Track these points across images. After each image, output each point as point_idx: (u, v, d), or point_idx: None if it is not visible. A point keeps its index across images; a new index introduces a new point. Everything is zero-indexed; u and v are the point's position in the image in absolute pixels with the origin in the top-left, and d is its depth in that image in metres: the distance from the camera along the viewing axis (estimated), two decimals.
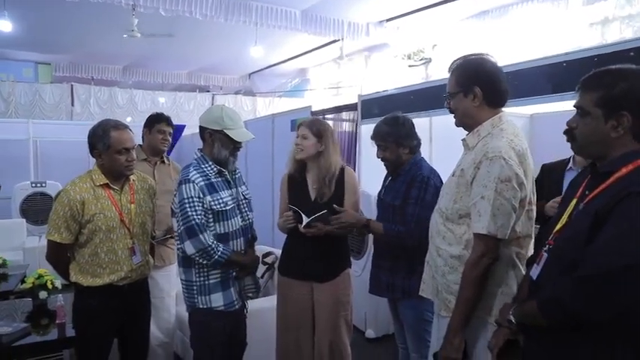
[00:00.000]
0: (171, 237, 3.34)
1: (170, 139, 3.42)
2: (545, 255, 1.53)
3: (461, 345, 1.78)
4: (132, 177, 2.60)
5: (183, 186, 2.31)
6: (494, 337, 1.68)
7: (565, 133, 1.53)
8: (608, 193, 1.36)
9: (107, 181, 2.48)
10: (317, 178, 2.69)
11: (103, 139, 2.43)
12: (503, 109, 1.94)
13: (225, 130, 2.37)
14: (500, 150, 1.74)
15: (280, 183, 2.86)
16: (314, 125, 2.69)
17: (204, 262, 2.32)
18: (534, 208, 1.89)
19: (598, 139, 1.42)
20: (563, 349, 1.41)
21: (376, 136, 2.71)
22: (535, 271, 1.57)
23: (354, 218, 2.60)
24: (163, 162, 3.44)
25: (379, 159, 2.74)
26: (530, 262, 1.66)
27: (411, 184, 2.56)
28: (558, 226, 1.51)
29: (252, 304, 2.69)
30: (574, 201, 1.50)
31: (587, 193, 1.45)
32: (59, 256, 2.50)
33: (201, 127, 2.44)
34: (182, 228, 2.29)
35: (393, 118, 2.70)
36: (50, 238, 2.41)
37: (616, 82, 1.38)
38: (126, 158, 2.47)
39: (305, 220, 2.53)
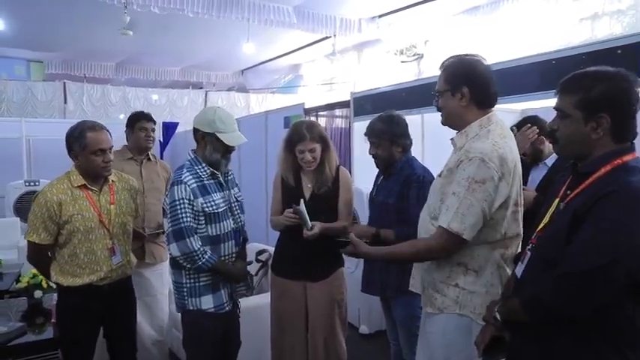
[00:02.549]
0: (163, 232, 3.36)
1: (153, 135, 3.43)
2: (528, 253, 1.58)
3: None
4: (112, 177, 2.60)
5: (176, 187, 2.32)
6: (480, 333, 1.71)
7: (547, 134, 1.56)
8: (587, 193, 1.40)
9: (85, 182, 2.48)
10: (318, 179, 2.69)
11: (79, 140, 2.42)
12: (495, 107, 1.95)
13: (217, 134, 2.36)
14: (482, 152, 1.74)
15: (273, 182, 2.87)
16: (314, 132, 2.64)
17: (188, 265, 2.33)
18: (521, 209, 1.90)
19: (579, 141, 1.46)
20: (545, 343, 1.46)
21: (371, 133, 2.71)
22: (519, 269, 1.61)
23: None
24: (150, 160, 3.46)
25: (371, 155, 2.76)
26: (517, 260, 1.70)
27: (408, 185, 2.58)
28: (541, 225, 1.55)
29: (246, 302, 2.72)
30: (556, 200, 1.53)
31: (568, 192, 1.49)
32: (39, 256, 2.52)
33: (194, 129, 2.44)
34: (170, 229, 2.31)
35: (388, 116, 2.71)
36: (29, 239, 2.43)
37: (594, 84, 1.41)
38: (102, 159, 2.45)
39: (309, 224, 2.50)
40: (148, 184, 3.34)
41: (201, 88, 13.99)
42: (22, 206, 6.38)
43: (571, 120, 1.46)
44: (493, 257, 1.83)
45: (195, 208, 2.32)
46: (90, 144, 2.42)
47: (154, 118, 3.48)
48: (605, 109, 1.39)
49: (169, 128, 8.80)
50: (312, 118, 5.93)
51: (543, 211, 1.58)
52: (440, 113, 2.00)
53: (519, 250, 1.88)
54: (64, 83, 11.10)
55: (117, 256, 2.54)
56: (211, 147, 2.39)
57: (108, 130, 2.54)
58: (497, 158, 1.74)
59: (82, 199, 2.46)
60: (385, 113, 2.75)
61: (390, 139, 2.65)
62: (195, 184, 2.34)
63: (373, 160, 2.77)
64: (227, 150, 2.43)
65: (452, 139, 1.97)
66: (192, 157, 2.44)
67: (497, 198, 1.76)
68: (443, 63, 1.97)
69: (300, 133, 2.63)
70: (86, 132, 2.43)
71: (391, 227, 2.58)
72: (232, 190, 2.55)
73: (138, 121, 3.36)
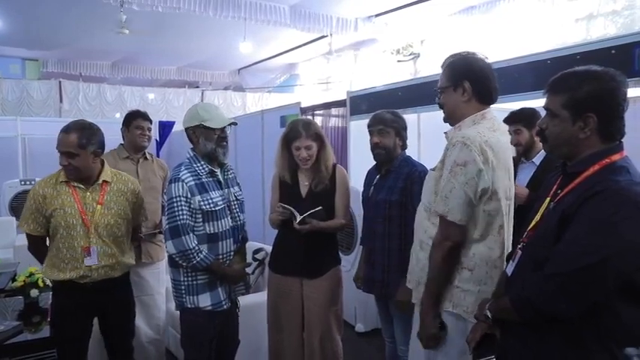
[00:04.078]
0: (160, 232, 3.36)
1: (149, 134, 3.43)
2: (519, 252, 1.59)
3: (435, 320, 1.86)
4: (106, 178, 2.58)
5: (173, 185, 2.33)
6: (471, 331, 1.73)
7: (537, 133, 1.57)
8: (576, 192, 1.40)
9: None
10: (315, 176, 2.70)
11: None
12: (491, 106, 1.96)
13: (203, 123, 2.40)
14: (464, 136, 1.78)
15: (272, 180, 2.88)
16: (310, 129, 2.66)
17: (183, 263, 2.35)
18: (511, 204, 1.92)
19: (567, 140, 1.46)
20: (536, 342, 1.47)
21: (380, 121, 2.71)
22: (510, 268, 1.63)
23: None
24: (146, 158, 3.46)
25: (373, 146, 2.73)
26: (508, 259, 1.71)
27: (411, 181, 2.58)
28: (532, 224, 1.56)
29: (243, 300, 2.72)
30: (547, 199, 1.54)
31: (559, 192, 1.50)
32: (37, 246, 2.60)
33: (185, 130, 2.48)
34: (167, 227, 2.33)
35: (393, 111, 2.77)
36: (21, 228, 2.53)
37: (581, 84, 1.41)
38: (62, 161, 2.46)
39: (298, 217, 2.55)
40: (145, 183, 3.34)
41: (197, 87, 13.99)
42: (18, 205, 6.34)
43: (559, 120, 1.46)
44: (488, 256, 1.85)
45: (192, 206, 2.33)
46: (57, 145, 2.46)
47: (150, 117, 3.48)
48: (592, 109, 1.40)
49: (165, 127, 8.78)
50: (309, 117, 5.93)
51: (535, 209, 1.60)
52: (439, 111, 2.03)
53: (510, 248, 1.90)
54: (60, 82, 11.10)
55: (91, 258, 2.50)
56: (203, 138, 2.42)
57: (83, 134, 2.43)
58: (479, 143, 1.76)
59: (67, 194, 2.49)
60: (389, 110, 2.79)
61: (396, 130, 2.69)
62: (192, 182, 2.35)
63: (373, 152, 2.75)
64: (220, 138, 2.44)
65: (446, 133, 1.99)
66: (192, 154, 2.46)
67: (480, 182, 1.77)
68: (444, 61, 2.00)
69: (296, 131, 2.66)
70: (60, 133, 2.46)
71: (393, 223, 2.61)
72: (232, 189, 2.56)
73: (134, 119, 3.37)
